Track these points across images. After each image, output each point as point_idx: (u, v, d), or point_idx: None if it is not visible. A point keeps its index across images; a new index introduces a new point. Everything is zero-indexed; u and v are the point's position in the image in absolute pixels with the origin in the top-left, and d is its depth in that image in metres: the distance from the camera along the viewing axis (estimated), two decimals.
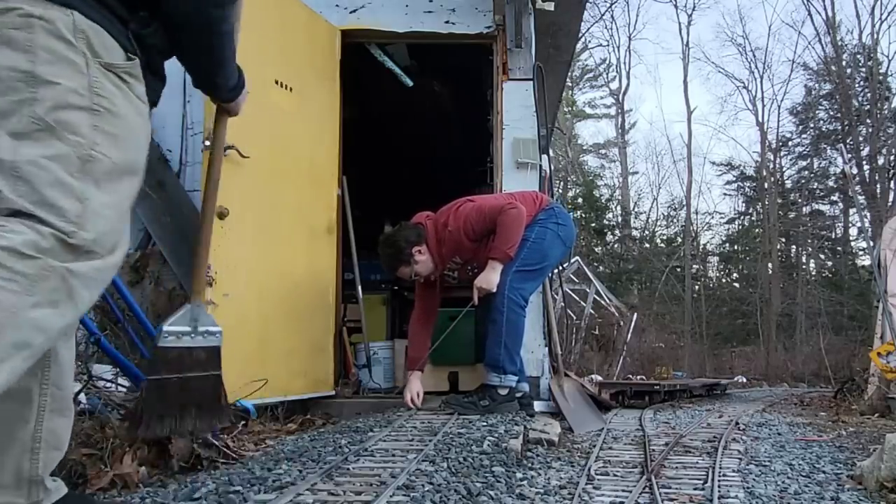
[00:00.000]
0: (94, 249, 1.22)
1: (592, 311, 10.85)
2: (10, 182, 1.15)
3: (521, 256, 3.34)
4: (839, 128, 21.92)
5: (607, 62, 27.40)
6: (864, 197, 18.53)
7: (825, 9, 21.49)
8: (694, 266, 23.64)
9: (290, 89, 3.60)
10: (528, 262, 3.37)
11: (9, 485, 1.31)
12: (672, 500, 1.95)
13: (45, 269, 1.14)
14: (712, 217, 25.78)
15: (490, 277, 3.27)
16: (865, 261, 19.12)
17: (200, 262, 1.85)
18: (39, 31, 1.22)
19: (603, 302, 11.32)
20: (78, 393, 2.37)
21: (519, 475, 2.17)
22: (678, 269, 22.26)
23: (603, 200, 23.68)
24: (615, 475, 2.29)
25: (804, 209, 23.90)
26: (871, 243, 6.34)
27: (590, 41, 24.85)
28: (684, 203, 23.88)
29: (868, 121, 20.29)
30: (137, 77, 1.36)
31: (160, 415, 1.69)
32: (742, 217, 25.72)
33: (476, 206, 3.41)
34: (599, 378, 6.94)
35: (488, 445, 2.44)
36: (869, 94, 20.43)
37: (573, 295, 10.41)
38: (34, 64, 1.21)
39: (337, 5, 4.17)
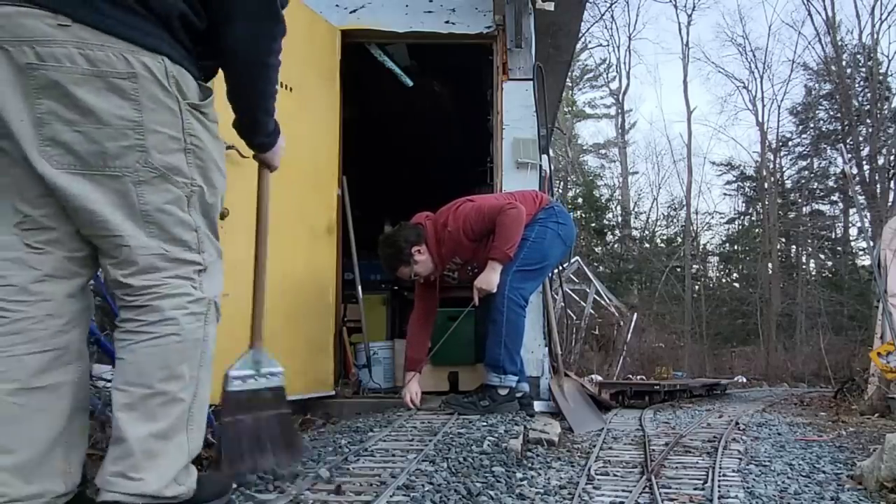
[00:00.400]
0: (209, 264, 1.53)
1: (592, 311, 10.84)
2: (144, 226, 1.41)
3: (521, 256, 3.34)
4: (839, 128, 21.90)
5: (607, 62, 27.43)
6: (864, 197, 18.51)
7: (825, 9, 21.50)
8: (694, 266, 23.63)
9: (290, 89, 3.60)
10: (528, 262, 3.37)
11: (47, 474, 1.39)
12: (672, 500, 1.95)
13: (207, 304, 1.51)
14: (712, 217, 25.81)
15: (490, 278, 3.26)
16: (865, 261, 19.14)
17: (258, 310, 2.03)
18: (143, 80, 1.36)
19: (603, 302, 11.31)
20: None
21: (519, 475, 2.17)
22: (678, 269, 22.24)
23: (603, 200, 23.66)
24: (615, 475, 2.29)
25: (804, 209, 23.89)
26: (871, 243, 6.34)
27: (590, 41, 24.87)
28: (684, 203, 23.88)
29: (868, 121, 20.27)
30: (210, 105, 1.52)
31: (240, 453, 1.79)
32: (742, 217, 25.72)
33: (475, 206, 3.41)
34: (599, 378, 6.94)
35: (488, 445, 2.44)
36: (869, 94, 20.42)
37: (573, 295, 10.40)
38: (141, 113, 1.36)
39: (337, 5, 4.17)
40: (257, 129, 1.70)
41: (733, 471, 2.33)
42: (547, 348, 3.86)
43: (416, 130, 6.29)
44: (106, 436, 2.13)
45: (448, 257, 3.45)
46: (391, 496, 1.79)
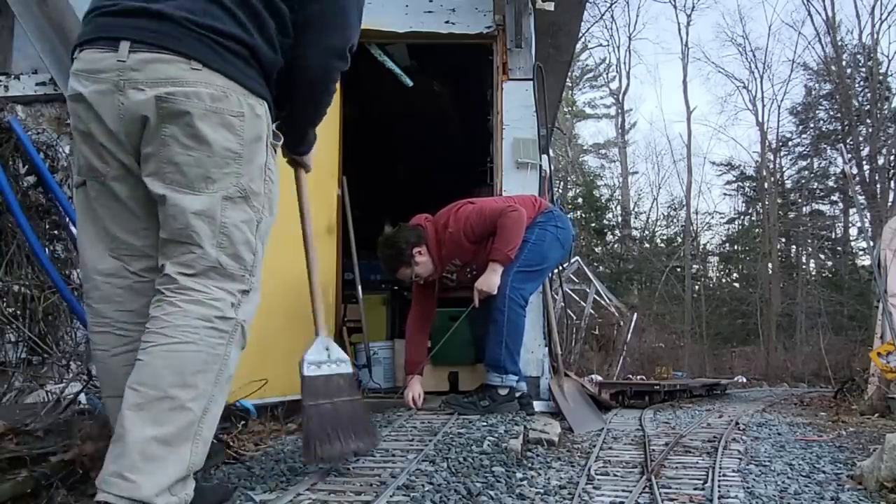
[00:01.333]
0: (255, 288, 1.64)
1: (592, 311, 10.84)
2: (216, 236, 1.56)
3: (522, 257, 3.34)
4: (839, 128, 21.91)
5: (607, 62, 27.44)
6: (864, 197, 18.52)
7: (825, 9, 21.52)
8: (694, 266, 23.62)
9: None
10: (528, 263, 3.37)
11: None
12: (672, 500, 1.95)
13: (235, 326, 1.57)
14: (712, 217, 25.80)
15: (490, 280, 3.27)
16: (865, 261, 19.14)
17: (317, 303, 2.18)
18: (248, 119, 1.58)
19: (603, 302, 11.31)
20: (78, 393, 2.37)
21: (519, 475, 2.17)
22: (678, 269, 22.24)
23: (603, 200, 23.66)
24: (615, 475, 2.29)
25: (804, 209, 23.89)
26: (871, 243, 6.34)
27: (590, 41, 24.87)
28: (684, 203, 23.89)
29: (868, 121, 20.28)
30: (279, 146, 1.76)
31: (327, 437, 1.94)
32: (742, 217, 25.72)
33: (477, 208, 3.41)
34: (599, 378, 6.94)
35: (488, 445, 2.44)
36: (869, 94, 20.43)
37: (573, 295, 10.40)
38: (242, 146, 1.58)
39: None
40: (305, 141, 1.95)
41: (733, 471, 2.33)
42: (547, 348, 3.86)
43: (416, 130, 6.29)
44: (106, 436, 2.13)
45: (448, 259, 3.45)
46: (391, 496, 1.79)
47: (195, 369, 1.49)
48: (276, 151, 1.72)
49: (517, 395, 3.38)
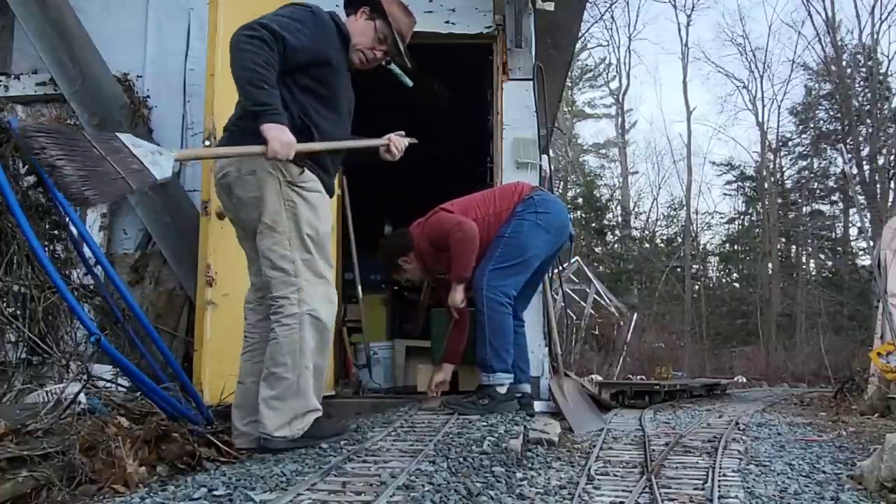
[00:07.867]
0: (305, 286, 2.37)
1: (592, 311, 10.85)
2: (265, 260, 2.37)
3: (497, 254, 3.34)
4: (839, 128, 21.91)
5: (607, 62, 27.42)
6: (864, 197, 18.53)
7: (825, 9, 21.51)
8: (694, 266, 23.62)
9: None
10: (505, 259, 3.34)
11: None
12: (672, 500, 1.95)
13: (299, 317, 2.36)
14: (712, 217, 25.77)
15: (453, 297, 3.37)
16: (865, 261, 19.11)
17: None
18: (260, 174, 2.35)
19: (603, 302, 11.32)
20: (77, 393, 2.37)
21: (519, 475, 2.17)
22: (678, 269, 22.25)
23: (603, 200, 23.67)
24: (615, 475, 2.29)
25: (804, 209, 23.87)
26: (871, 243, 6.34)
27: (590, 41, 24.86)
28: (684, 203, 23.89)
29: (868, 121, 20.29)
30: (308, 181, 2.44)
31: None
32: (742, 217, 25.68)
33: (434, 223, 3.43)
34: (599, 378, 6.94)
35: (488, 445, 2.44)
36: (869, 94, 20.43)
37: (573, 295, 10.40)
38: (261, 192, 2.36)
39: (337, 6, 4.15)
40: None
41: (733, 471, 2.33)
42: (547, 348, 3.86)
43: (416, 130, 6.27)
44: (107, 436, 2.14)
45: (430, 264, 3.47)
46: (391, 496, 1.79)
47: (280, 353, 2.32)
48: (300, 186, 2.39)
49: (518, 395, 3.37)
